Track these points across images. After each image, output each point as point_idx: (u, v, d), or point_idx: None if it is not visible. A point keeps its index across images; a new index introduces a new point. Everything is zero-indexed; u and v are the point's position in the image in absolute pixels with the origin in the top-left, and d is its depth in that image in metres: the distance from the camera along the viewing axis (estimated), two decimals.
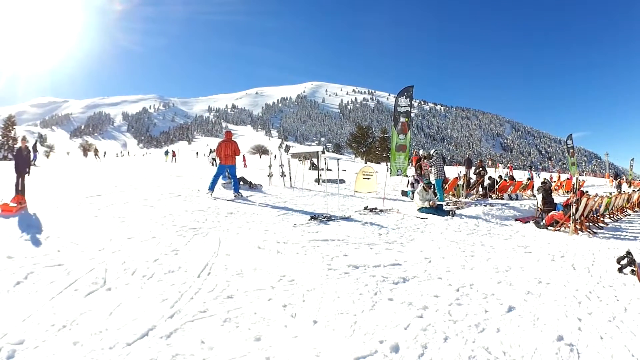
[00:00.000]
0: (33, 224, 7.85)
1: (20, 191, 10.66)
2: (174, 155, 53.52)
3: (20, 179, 11.11)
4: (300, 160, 25.32)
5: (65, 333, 3.74)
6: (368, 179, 17.66)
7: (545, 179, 23.18)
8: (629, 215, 16.16)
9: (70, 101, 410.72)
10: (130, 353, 3.45)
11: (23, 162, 11.41)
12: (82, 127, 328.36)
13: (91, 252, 6.20)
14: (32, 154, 24.35)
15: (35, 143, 30.41)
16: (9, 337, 3.61)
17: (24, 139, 12.89)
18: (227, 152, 12.94)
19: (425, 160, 17.26)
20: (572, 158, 33.58)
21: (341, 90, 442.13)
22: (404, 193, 17.27)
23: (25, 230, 7.28)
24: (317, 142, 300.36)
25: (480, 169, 21.45)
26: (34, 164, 24.16)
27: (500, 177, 22.63)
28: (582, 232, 11.09)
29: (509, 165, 53.55)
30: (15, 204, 9.11)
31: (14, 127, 68.01)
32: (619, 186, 31.75)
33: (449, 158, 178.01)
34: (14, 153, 11.88)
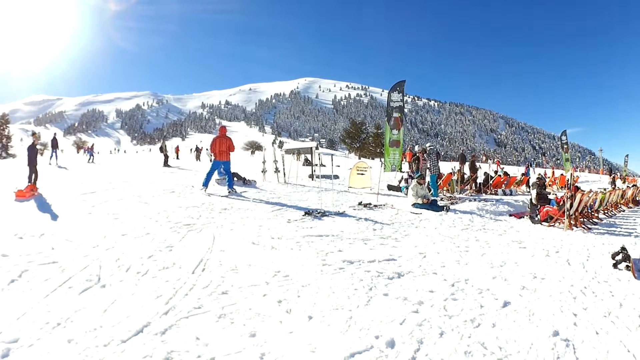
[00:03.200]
0: (28, 221, 7.82)
1: (33, 181, 12.29)
2: (176, 151, 51.76)
3: (32, 171, 12.82)
4: (294, 156, 25.37)
5: (60, 331, 3.71)
6: (362, 174, 17.67)
7: (539, 174, 23.26)
8: (623, 211, 16.22)
9: (64, 99, 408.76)
10: (125, 350, 3.43)
11: (35, 156, 13.25)
12: (76, 125, 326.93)
13: (85, 249, 6.16)
14: (50, 152, 23.19)
15: (54, 139, 25.65)
16: (3, 335, 3.57)
17: (34, 134, 14.68)
18: (222, 148, 12.89)
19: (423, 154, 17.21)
20: (567, 154, 33.72)
21: (334, 86, 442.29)
22: (390, 187, 17.31)
23: (20, 227, 7.23)
24: (310, 137, 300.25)
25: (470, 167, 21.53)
26: (57, 164, 22.57)
27: (495, 172, 22.67)
28: (577, 227, 11.11)
29: (496, 160, 53.50)
30: (28, 191, 10.59)
31: (8, 125, 67.69)
32: (613, 182, 31.86)
33: (442, 154, 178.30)
34: (27, 148, 13.58)
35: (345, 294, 4.92)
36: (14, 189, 10.59)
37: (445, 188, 17.78)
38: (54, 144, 25.05)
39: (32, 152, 13.38)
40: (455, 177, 18.34)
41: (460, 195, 17.02)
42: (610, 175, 37.92)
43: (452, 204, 13.96)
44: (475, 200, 15.49)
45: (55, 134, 27.21)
